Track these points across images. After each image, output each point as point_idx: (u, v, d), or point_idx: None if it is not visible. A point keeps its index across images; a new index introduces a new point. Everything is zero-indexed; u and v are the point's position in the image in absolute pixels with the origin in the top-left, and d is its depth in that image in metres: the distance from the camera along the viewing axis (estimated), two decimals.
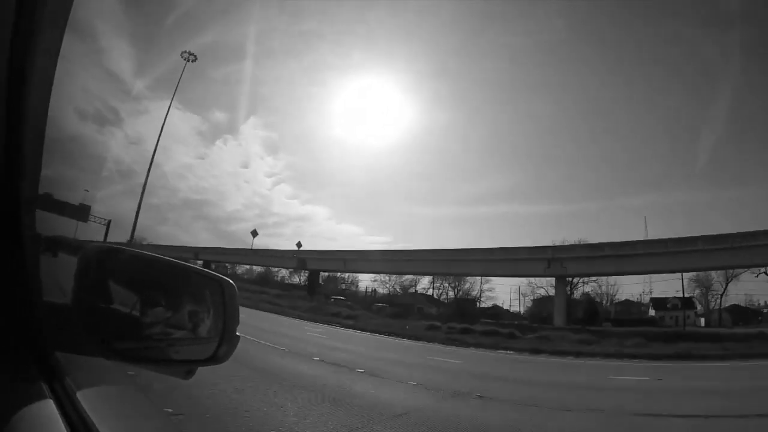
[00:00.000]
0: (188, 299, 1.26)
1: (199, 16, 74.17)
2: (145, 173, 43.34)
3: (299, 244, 50.82)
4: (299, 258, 51.11)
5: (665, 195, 60.60)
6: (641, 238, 39.49)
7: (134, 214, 41.83)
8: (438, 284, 54.21)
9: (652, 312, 44.86)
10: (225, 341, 1.17)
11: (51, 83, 1.14)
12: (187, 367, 1.24)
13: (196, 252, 54.61)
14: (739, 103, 57.18)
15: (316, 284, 51.27)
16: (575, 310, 41.98)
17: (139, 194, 42.93)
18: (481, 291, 52.04)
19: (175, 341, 1.21)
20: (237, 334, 1.19)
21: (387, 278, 53.85)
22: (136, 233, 42.61)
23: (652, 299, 45.00)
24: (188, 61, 44.52)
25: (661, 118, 62.44)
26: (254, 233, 53.71)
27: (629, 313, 44.65)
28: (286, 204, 75.94)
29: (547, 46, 72.10)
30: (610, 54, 67.50)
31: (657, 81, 62.80)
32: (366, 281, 54.83)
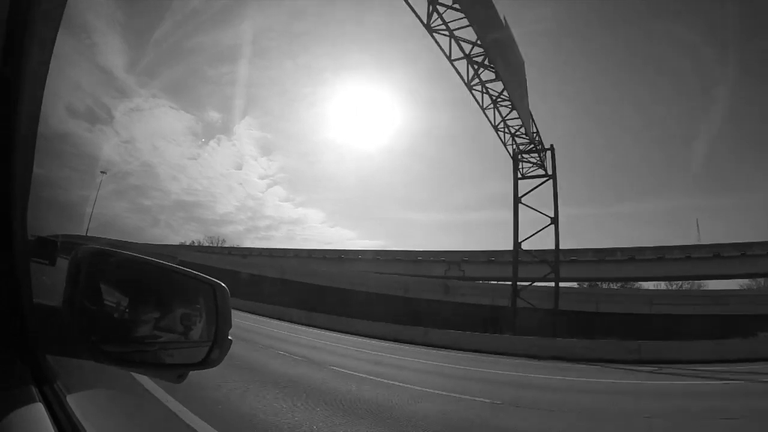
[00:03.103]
0: (180, 302, 1.27)
1: (194, 14, 74.27)
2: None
3: None
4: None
5: (665, 201, 60.46)
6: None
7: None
8: None
9: None
10: (217, 345, 1.19)
11: (44, 80, 1.14)
12: (178, 371, 1.24)
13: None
14: (735, 108, 56.85)
15: None
16: None
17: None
18: None
19: (167, 345, 1.23)
20: (229, 337, 1.21)
21: None
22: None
23: None
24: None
25: (655, 122, 62.32)
26: None
27: None
28: (278, 207, 75.94)
29: (542, 51, 72.02)
30: (604, 59, 67.29)
31: (651, 84, 62.73)
32: None
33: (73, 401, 1.23)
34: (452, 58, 21.93)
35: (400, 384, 8.82)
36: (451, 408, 7.02)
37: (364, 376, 9.60)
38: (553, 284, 27.59)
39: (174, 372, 1.27)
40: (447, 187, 73.24)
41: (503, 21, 23.58)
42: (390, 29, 76.28)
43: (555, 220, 26.84)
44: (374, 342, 20.98)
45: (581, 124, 68.76)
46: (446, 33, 20.81)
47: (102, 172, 42.50)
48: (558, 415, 7.11)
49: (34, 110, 1.17)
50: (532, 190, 27.80)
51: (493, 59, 22.18)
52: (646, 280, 39.59)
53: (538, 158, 28.18)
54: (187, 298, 1.28)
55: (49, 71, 1.14)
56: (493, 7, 22.19)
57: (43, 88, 1.15)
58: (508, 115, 25.51)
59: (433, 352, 18.58)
